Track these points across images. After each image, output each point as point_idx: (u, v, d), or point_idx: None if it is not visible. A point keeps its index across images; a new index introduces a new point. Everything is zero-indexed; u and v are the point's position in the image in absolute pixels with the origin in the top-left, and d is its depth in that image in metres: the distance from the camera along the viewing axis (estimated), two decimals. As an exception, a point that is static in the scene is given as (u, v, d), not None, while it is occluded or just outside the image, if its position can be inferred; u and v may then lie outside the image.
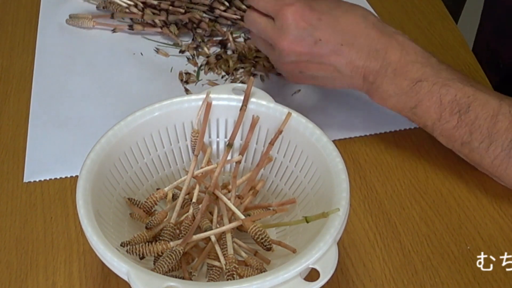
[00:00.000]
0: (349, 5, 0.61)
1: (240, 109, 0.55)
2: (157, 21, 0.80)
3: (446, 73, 0.57)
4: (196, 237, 0.49)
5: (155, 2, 0.80)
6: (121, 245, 0.47)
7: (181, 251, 0.47)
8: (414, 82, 0.58)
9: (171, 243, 0.47)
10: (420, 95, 0.57)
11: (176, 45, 0.79)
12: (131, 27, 0.80)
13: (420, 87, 0.57)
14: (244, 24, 0.66)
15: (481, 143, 0.56)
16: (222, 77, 0.74)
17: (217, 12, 0.80)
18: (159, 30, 0.80)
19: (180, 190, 0.52)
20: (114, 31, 0.80)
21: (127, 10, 0.80)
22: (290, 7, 0.58)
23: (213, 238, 0.49)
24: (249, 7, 0.63)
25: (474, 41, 0.95)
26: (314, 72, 0.61)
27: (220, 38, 0.80)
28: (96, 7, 0.83)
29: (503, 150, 0.56)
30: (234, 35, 0.79)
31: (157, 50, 0.78)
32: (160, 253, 0.47)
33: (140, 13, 0.80)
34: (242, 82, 0.73)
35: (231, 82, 0.73)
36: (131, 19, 0.81)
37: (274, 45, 0.60)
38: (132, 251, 0.46)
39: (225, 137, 0.57)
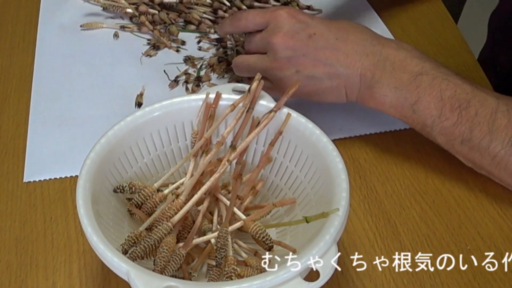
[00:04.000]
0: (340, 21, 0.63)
1: (247, 111, 0.54)
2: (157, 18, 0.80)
3: (444, 69, 0.58)
4: (196, 241, 0.49)
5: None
6: (123, 253, 0.46)
7: (184, 254, 0.47)
8: (414, 75, 0.57)
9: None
10: (421, 89, 0.57)
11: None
12: (138, 28, 0.81)
13: (420, 80, 0.57)
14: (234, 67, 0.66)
15: (481, 140, 0.56)
16: (223, 77, 0.74)
17: (220, 13, 0.80)
18: (161, 30, 0.80)
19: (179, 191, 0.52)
20: (123, 29, 0.81)
21: (128, 11, 0.81)
22: (283, 8, 0.62)
23: (213, 241, 0.49)
24: (250, 6, 0.63)
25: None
26: (310, 70, 0.60)
27: (216, 37, 0.80)
28: (102, 9, 0.84)
29: (503, 148, 0.55)
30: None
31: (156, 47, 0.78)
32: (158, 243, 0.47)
33: (138, 13, 0.80)
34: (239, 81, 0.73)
35: (228, 82, 0.73)
36: (131, 18, 0.82)
37: (268, 45, 0.61)
38: (136, 255, 0.46)
39: (224, 137, 0.57)
